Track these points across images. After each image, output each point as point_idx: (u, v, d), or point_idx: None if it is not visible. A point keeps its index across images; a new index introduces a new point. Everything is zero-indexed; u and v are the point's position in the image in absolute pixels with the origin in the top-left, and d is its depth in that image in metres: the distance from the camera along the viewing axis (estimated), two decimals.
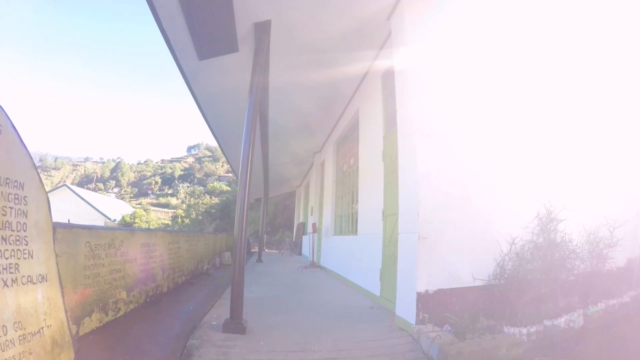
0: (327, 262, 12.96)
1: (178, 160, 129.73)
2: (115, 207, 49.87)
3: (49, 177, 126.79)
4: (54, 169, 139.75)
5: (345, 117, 11.36)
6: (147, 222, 43.22)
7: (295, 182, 25.48)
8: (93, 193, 60.58)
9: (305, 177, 22.43)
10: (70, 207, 43.40)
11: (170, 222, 52.52)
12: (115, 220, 42.92)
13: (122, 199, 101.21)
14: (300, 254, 21.85)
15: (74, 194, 44.90)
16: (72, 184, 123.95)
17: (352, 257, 9.60)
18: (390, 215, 6.83)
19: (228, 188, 69.28)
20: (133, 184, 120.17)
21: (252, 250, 22.99)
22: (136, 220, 42.03)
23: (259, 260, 15.48)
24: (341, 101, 10.79)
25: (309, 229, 16.05)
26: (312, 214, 16.38)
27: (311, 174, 19.17)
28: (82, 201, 44.02)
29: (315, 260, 14.04)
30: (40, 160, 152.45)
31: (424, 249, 4.63)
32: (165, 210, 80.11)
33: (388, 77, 7.38)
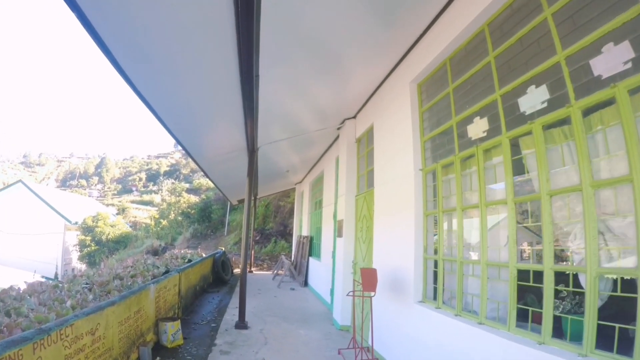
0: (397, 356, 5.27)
1: (165, 156, 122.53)
2: (82, 207, 41.43)
3: (32, 174, 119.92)
4: (39, 165, 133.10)
5: None
6: (112, 225, 34.75)
7: (296, 176, 17.30)
8: (56, 190, 52.11)
9: (315, 167, 14.21)
10: (25, 206, 35.39)
11: (151, 222, 44.10)
12: (76, 223, 34.65)
13: (104, 196, 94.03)
14: (304, 283, 13.89)
15: (31, 192, 36.57)
16: (56, 180, 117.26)
17: None
18: None
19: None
20: (118, 181, 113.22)
21: (231, 274, 15.08)
22: (99, 224, 33.62)
23: (242, 323, 7.57)
24: None
25: (342, 279, 8.03)
26: (340, 235, 8.38)
27: (327, 160, 11.38)
28: (39, 200, 35.80)
29: (355, 330, 6.17)
30: (25, 156, 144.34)
31: None
32: (148, 208, 71.86)
33: None
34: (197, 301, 10.03)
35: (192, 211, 33.89)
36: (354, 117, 8.42)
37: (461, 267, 4.23)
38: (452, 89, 4.70)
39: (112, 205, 69.92)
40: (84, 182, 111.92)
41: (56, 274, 29.85)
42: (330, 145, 10.77)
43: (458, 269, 4.25)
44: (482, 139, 4.13)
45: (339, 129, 9.02)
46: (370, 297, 5.42)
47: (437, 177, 4.84)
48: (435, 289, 4.79)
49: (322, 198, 12.06)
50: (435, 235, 5.00)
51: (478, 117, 4.23)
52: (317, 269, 12.17)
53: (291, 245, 22.10)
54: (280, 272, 15.81)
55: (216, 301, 10.26)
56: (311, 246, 14.06)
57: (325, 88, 6.92)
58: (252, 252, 20.11)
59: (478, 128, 4.23)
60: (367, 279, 5.26)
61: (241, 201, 19.51)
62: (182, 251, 14.84)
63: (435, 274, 4.82)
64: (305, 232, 15.58)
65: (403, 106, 5.71)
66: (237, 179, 12.91)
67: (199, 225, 32.20)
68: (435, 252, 4.85)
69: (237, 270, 17.63)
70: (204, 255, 13.89)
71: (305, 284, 13.82)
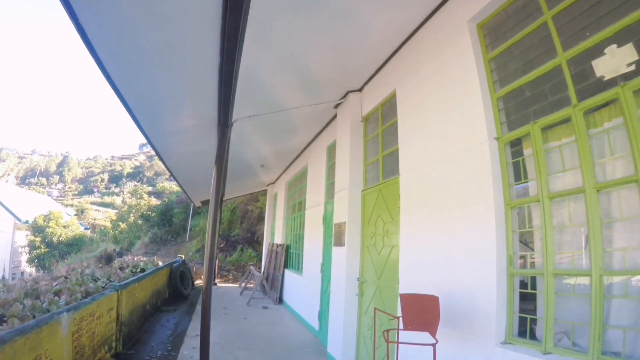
0: None
1: (129, 157, 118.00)
2: (36, 206, 37.83)
3: None
4: None
5: None
6: (65, 226, 31.48)
7: (268, 176, 14.97)
8: (9, 186, 48.49)
9: (295, 163, 11.84)
10: None
11: (109, 225, 40.92)
12: (27, 222, 31.32)
13: (64, 196, 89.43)
14: (279, 300, 11.61)
15: None
16: (16, 177, 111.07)
17: None
18: None
19: (179, 189, 56.17)
20: (79, 181, 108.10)
21: (192, 287, 12.78)
22: (50, 224, 30.38)
23: None
24: None
25: (344, 301, 5.78)
26: (340, 243, 6.17)
27: (314, 151, 9.27)
28: None
29: None
30: None
31: None
32: (108, 210, 68.06)
33: None
34: (147, 325, 7.65)
35: (153, 214, 31.05)
36: (360, 90, 6.34)
37: (600, 282, 2.24)
38: (550, 17, 2.79)
39: (72, 205, 66.18)
40: (44, 180, 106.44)
41: (3, 277, 26.69)
42: (320, 132, 8.64)
43: (594, 288, 2.27)
44: (626, 76, 2.25)
45: (337, 106, 6.92)
46: (433, 346, 3.08)
47: (533, 145, 2.85)
48: (523, 322, 2.81)
49: (305, 199, 9.89)
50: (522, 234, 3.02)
51: (614, 46, 2.39)
52: (297, 285, 9.95)
53: (260, 255, 19.75)
54: (249, 284, 13.52)
55: (172, 325, 7.91)
56: (287, 256, 11.84)
57: (324, 48, 4.90)
58: (217, 261, 17.72)
59: (616, 61, 2.34)
60: (414, 312, 3.11)
61: (205, 202, 17.08)
62: (135, 258, 12.42)
63: (524, 297, 2.87)
64: (279, 240, 13.33)
65: (458, 55, 3.72)
66: (201, 172, 10.55)
67: (159, 229, 29.42)
68: (531, 264, 2.86)
69: (198, 282, 15.21)
70: (160, 263, 11.50)
71: (280, 300, 11.56)
